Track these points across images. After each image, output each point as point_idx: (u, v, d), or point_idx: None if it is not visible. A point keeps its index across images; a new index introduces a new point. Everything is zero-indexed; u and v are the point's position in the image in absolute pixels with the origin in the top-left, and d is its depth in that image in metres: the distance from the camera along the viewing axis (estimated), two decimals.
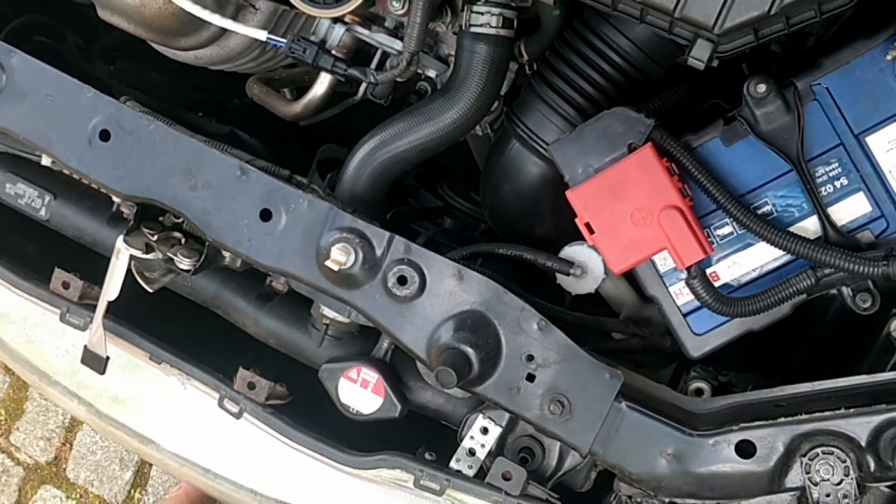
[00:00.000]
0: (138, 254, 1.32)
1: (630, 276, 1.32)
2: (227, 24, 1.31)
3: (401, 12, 1.34)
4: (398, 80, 1.38)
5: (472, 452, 1.29)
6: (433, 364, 1.17)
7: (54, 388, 1.51)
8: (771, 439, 1.15)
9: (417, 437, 1.37)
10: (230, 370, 1.38)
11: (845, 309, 1.22)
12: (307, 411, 1.37)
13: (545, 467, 1.30)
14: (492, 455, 1.28)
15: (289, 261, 1.23)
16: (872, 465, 1.14)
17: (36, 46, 1.57)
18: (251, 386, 1.36)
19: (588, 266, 1.33)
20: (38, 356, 1.50)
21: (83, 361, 1.39)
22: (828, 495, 1.14)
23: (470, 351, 1.16)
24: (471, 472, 1.28)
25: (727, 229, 1.25)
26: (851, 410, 1.14)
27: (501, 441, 1.30)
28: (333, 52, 1.37)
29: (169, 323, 1.47)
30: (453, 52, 1.39)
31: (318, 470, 1.36)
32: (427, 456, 1.32)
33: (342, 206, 1.23)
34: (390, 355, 1.36)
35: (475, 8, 1.29)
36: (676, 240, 1.18)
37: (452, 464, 1.28)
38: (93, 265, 1.41)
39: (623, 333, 1.37)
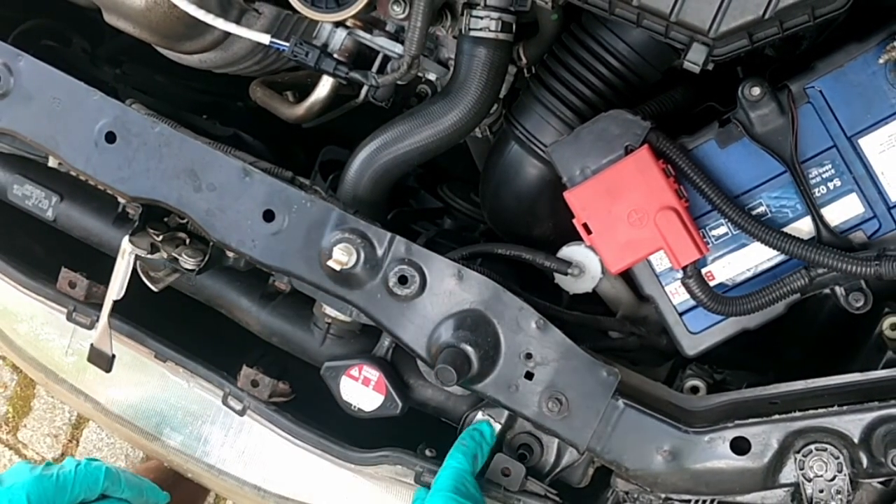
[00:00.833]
0: (143, 254, 1.33)
1: (627, 276, 1.32)
2: (231, 28, 1.30)
3: (401, 16, 1.34)
4: (399, 83, 1.37)
5: None
6: (433, 362, 1.18)
7: (61, 386, 1.52)
8: (765, 436, 1.15)
9: (418, 434, 1.37)
10: (234, 368, 1.38)
11: (838, 308, 1.22)
12: (310, 409, 1.37)
13: (543, 464, 1.31)
14: (491, 451, 1.28)
15: (291, 261, 1.23)
16: (865, 462, 1.14)
17: (43, 50, 1.57)
18: (255, 384, 1.37)
19: (586, 266, 1.33)
20: (46, 354, 1.50)
21: (89, 359, 1.39)
22: (821, 491, 1.15)
23: (469, 349, 1.17)
24: None
25: (722, 230, 1.25)
26: (844, 408, 1.15)
27: (500, 438, 1.30)
28: (335, 55, 1.36)
29: (173, 322, 1.48)
30: (453, 56, 1.39)
31: (321, 466, 1.37)
32: (428, 452, 1.33)
33: (344, 207, 1.23)
34: (391, 353, 1.36)
35: (475, 12, 1.29)
36: (672, 240, 1.18)
37: None
38: (99, 265, 1.42)
39: (620, 332, 1.37)
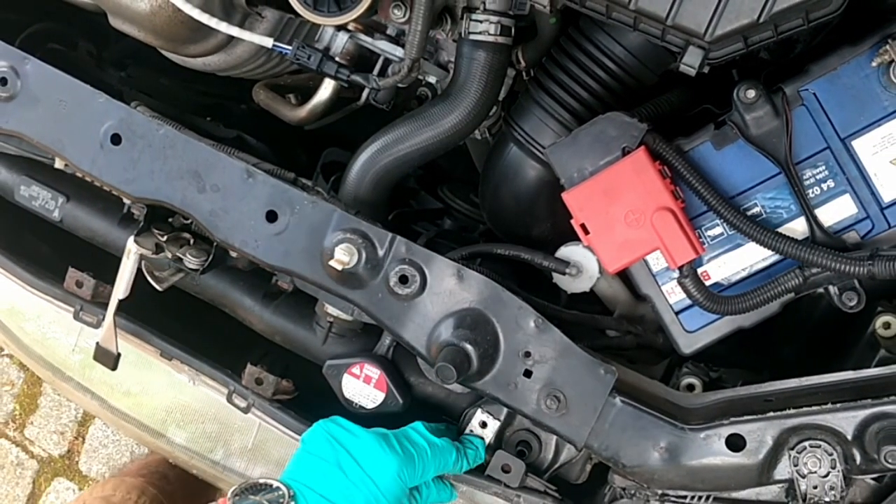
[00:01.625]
0: (148, 254, 1.34)
1: (624, 276, 1.33)
2: (234, 31, 1.30)
3: (402, 20, 1.34)
4: (400, 85, 1.38)
5: None
6: (433, 360, 1.19)
7: (68, 384, 1.53)
8: (760, 433, 1.16)
9: None
10: (238, 366, 1.39)
11: (832, 307, 1.23)
12: (312, 406, 1.37)
13: (542, 460, 1.32)
14: (491, 448, 1.30)
15: (294, 261, 1.24)
16: (858, 458, 1.15)
17: (49, 53, 1.58)
18: (259, 381, 1.37)
19: (583, 266, 1.33)
20: (53, 352, 1.51)
21: (95, 358, 1.40)
22: (815, 487, 1.15)
23: (469, 348, 1.17)
24: None
25: (718, 230, 1.26)
26: (838, 405, 1.15)
27: (500, 435, 1.31)
28: (337, 58, 1.37)
29: (178, 320, 1.48)
30: (453, 59, 1.39)
31: None
32: None
33: (345, 208, 1.24)
34: (392, 352, 1.37)
35: (474, 16, 1.29)
36: (669, 240, 1.18)
37: None
38: (105, 265, 1.43)
39: (617, 331, 1.37)
